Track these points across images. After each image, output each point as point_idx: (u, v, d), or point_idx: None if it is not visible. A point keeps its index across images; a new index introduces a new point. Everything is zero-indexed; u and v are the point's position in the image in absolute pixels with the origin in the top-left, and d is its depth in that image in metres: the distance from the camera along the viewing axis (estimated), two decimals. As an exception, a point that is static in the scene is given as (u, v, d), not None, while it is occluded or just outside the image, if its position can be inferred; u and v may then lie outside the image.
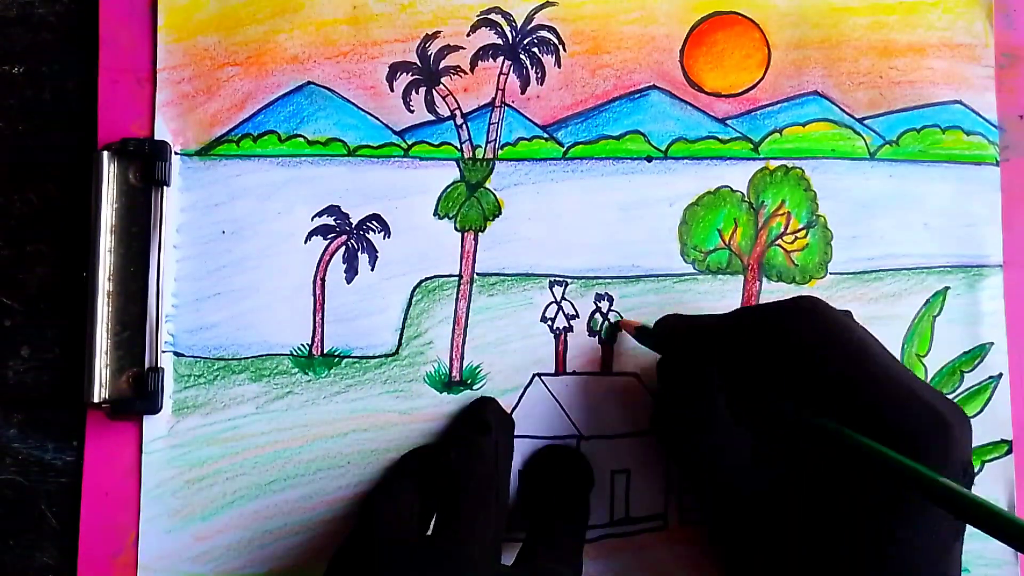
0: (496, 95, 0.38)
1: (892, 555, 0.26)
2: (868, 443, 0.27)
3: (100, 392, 0.35)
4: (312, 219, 0.37)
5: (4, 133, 0.37)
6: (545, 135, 0.38)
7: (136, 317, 0.36)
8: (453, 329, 0.37)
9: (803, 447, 0.29)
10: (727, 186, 0.38)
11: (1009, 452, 0.38)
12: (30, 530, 0.36)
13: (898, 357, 0.38)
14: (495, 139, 0.38)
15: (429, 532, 0.31)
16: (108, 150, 0.36)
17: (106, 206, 0.36)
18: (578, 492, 0.36)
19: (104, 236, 0.36)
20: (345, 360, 0.37)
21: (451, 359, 0.37)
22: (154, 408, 0.36)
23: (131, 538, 0.36)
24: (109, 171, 0.36)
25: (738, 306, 0.38)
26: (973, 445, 0.38)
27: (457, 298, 0.37)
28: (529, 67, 0.38)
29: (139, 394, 0.36)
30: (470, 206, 0.38)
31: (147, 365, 0.36)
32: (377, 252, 0.37)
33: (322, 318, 0.37)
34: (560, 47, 0.38)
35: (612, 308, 0.38)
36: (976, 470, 0.38)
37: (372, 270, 0.37)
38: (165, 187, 0.36)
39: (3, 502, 0.36)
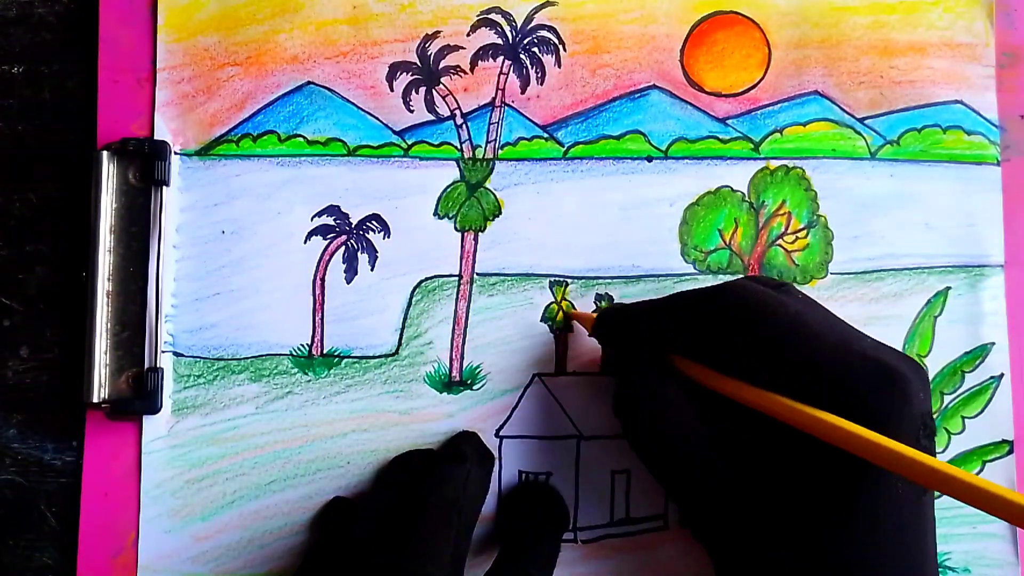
0: (496, 95, 0.38)
1: (856, 525, 0.26)
2: (818, 414, 0.26)
3: (100, 392, 0.35)
4: (312, 219, 0.37)
5: (4, 133, 0.37)
6: (545, 135, 0.38)
7: (136, 317, 0.36)
8: (453, 329, 0.37)
9: (754, 422, 0.29)
10: (727, 186, 0.38)
11: (1010, 452, 0.38)
12: (30, 530, 0.36)
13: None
14: (495, 139, 0.38)
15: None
16: (108, 150, 0.36)
17: (106, 206, 0.36)
18: (551, 530, 0.35)
19: (104, 236, 0.36)
20: (345, 360, 0.37)
21: (451, 359, 0.37)
22: (153, 408, 0.36)
23: (131, 538, 0.36)
24: (109, 171, 0.36)
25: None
26: (974, 446, 0.38)
27: (457, 298, 0.37)
28: (529, 67, 0.38)
29: (139, 394, 0.36)
30: (470, 206, 0.38)
31: (146, 365, 0.36)
32: (377, 252, 0.37)
33: (322, 318, 0.37)
34: (560, 47, 0.38)
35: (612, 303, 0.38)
36: (977, 470, 0.38)
37: (372, 270, 0.37)
38: (165, 187, 0.36)
39: (3, 502, 0.36)
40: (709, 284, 0.33)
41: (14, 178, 0.37)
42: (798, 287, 0.32)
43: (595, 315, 0.35)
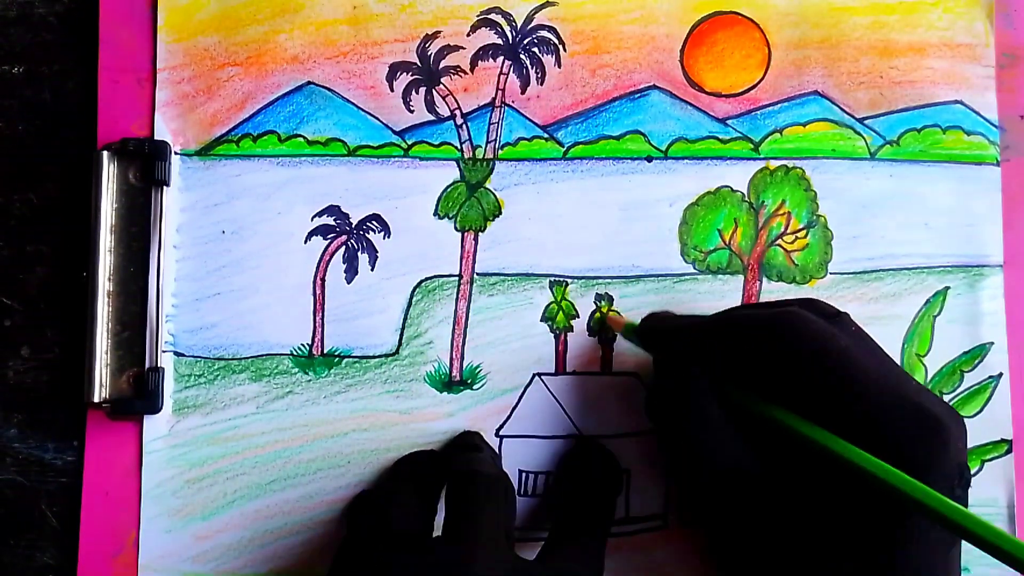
0: (496, 95, 0.38)
1: (887, 565, 0.26)
2: (857, 455, 0.26)
3: (100, 392, 0.35)
4: (312, 219, 0.37)
5: (4, 133, 0.37)
6: (545, 135, 0.38)
7: (136, 317, 0.36)
8: (453, 329, 0.37)
9: (793, 447, 0.29)
10: (727, 186, 0.38)
11: (1009, 452, 0.38)
12: (30, 530, 0.36)
13: (898, 357, 0.38)
14: (495, 139, 0.38)
15: (436, 533, 0.31)
16: (108, 150, 0.36)
17: (106, 206, 0.36)
18: (604, 494, 0.35)
19: (104, 236, 0.36)
20: (345, 360, 0.37)
21: (451, 359, 0.37)
22: (154, 408, 0.36)
23: (131, 538, 0.36)
24: (109, 171, 0.36)
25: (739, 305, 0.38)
26: (973, 444, 0.38)
27: (457, 298, 0.37)
28: (529, 67, 0.38)
29: (139, 394, 0.36)
30: (470, 206, 0.38)
31: (147, 365, 0.36)
32: (377, 252, 0.37)
33: (322, 318, 0.37)
34: (560, 47, 0.38)
35: (612, 308, 0.38)
36: (976, 470, 0.38)
37: (372, 270, 0.37)
38: (165, 187, 0.36)
39: (3, 502, 0.36)
40: (762, 308, 0.32)
41: (14, 178, 0.37)
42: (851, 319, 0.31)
43: (629, 321, 0.35)
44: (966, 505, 0.27)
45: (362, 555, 0.29)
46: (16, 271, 0.37)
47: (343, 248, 0.37)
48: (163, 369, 0.36)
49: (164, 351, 0.36)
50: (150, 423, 0.36)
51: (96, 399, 0.35)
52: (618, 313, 0.37)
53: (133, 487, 0.36)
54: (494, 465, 0.33)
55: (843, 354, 0.28)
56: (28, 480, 0.36)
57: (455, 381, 0.37)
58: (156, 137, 0.37)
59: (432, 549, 0.28)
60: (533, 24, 0.38)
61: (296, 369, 0.37)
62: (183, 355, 0.37)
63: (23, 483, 0.36)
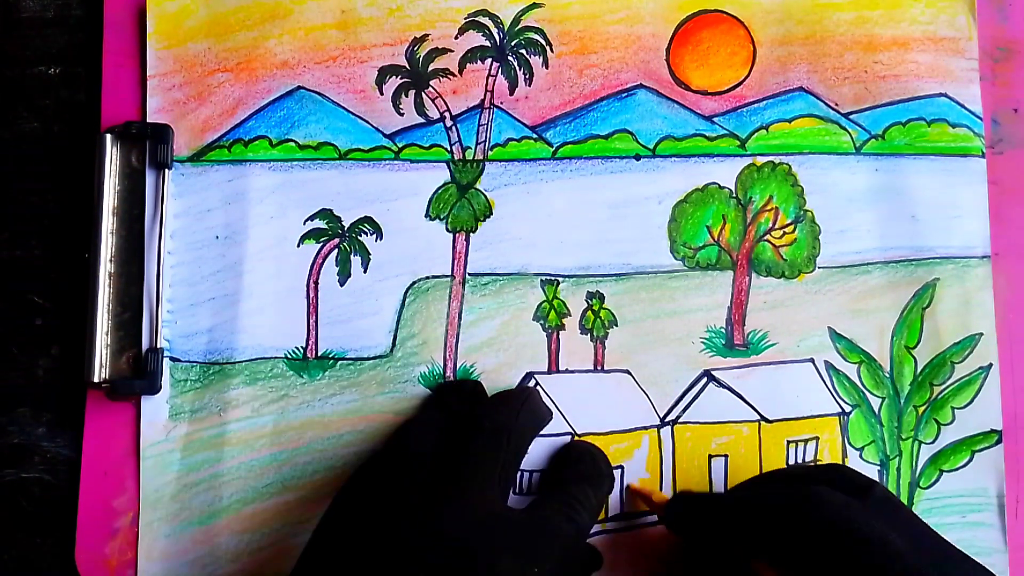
0: (485, 97, 0.38)
1: None
2: None
3: (100, 372, 0.36)
4: (304, 223, 0.38)
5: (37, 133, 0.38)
6: (534, 135, 0.38)
7: (136, 299, 0.36)
8: (446, 329, 0.38)
9: None
10: (715, 183, 0.39)
11: (999, 442, 0.38)
12: (59, 528, 0.36)
13: (887, 350, 0.39)
14: (484, 140, 0.38)
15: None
16: (111, 133, 0.36)
17: (108, 189, 0.36)
18: (595, 488, 0.35)
19: (106, 217, 0.36)
20: (340, 362, 0.37)
21: (445, 359, 0.37)
22: (153, 388, 0.36)
23: (128, 518, 0.36)
24: (112, 153, 0.36)
25: (729, 304, 0.38)
26: (964, 436, 0.38)
27: (450, 298, 0.38)
28: (517, 68, 0.39)
29: (138, 374, 0.36)
30: (461, 207, 0.38)
31: (146, 346, 0.36)
32: (370, 254, 0.38)
33: (316, 321, 0.37)
34: (547, 48, 0.39)
35: (604, 306, 0.38)
36: (966, 461, 0.38)
37: (365, 272, 0.38)
38: (167, 169, 0.37)
39: (32, 500, 0.37)
40: (791, 481, 0.33)
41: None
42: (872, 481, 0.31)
43: (663, 498, 0.35)
44: None
45: (375, 466, 0.32)
46: (46, 270, 0.37)
47: (336, 251, 0.38)
48: (162, 350, 0.36)
49: (164, 325, 0.36)
50: (148, 428, 0.36)
51: (96, 379, 0.35)
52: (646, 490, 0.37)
53: (131, 468, 0.36)
54: (517, 411, 0.34)
55: (864, 543, 0.28)
56: (56, 479, 0.37)
57: (449, 381, 0.37)
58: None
59: (430, 482, 0.30)
60: (520, 26, 0.39)
61: (291, 372, 0.37)
62: (178, 360, 0.37)
63: (51, 481, 0.37)
